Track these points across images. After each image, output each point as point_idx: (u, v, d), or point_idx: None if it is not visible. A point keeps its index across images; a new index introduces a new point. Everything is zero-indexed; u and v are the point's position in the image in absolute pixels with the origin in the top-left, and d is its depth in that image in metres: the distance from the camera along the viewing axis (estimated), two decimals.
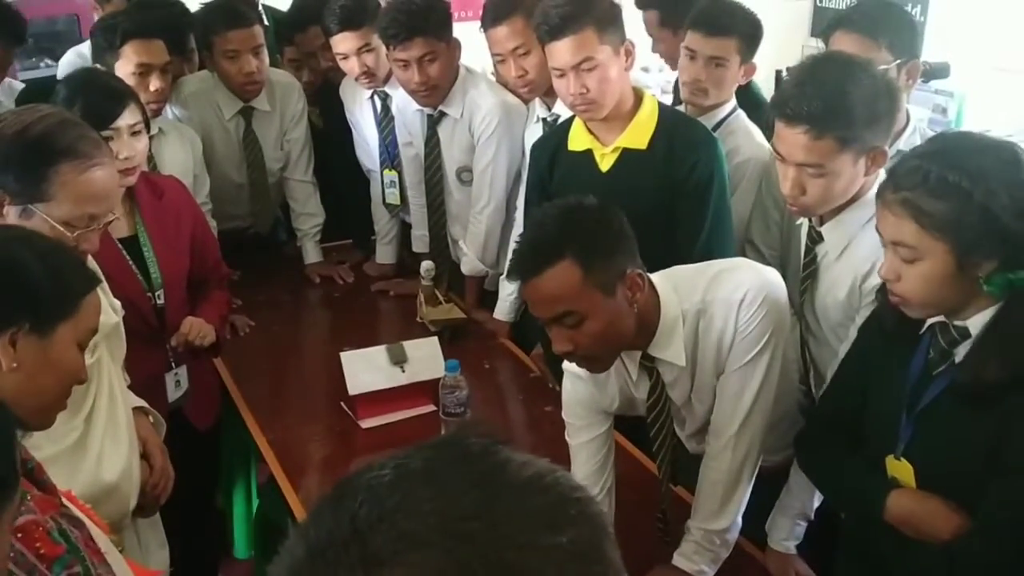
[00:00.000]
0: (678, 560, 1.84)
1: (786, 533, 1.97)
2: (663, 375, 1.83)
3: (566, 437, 1.96)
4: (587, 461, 1.91)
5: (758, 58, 2.59)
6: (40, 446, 1.68)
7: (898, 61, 2.19)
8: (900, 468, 1.61)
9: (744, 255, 2.28)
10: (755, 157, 2.41)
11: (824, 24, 2.37)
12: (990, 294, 1.48)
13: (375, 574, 0.57)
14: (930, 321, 1.57)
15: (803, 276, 2.03)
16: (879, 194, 1.56)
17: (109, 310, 1.92)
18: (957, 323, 1.53)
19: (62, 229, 1.73)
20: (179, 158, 2.86)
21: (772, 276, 1.82)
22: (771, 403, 1.80)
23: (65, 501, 1.32)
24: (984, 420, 1.48)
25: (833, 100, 1.76)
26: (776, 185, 2.01)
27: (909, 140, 2.24)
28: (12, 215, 1.76)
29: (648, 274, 1.76)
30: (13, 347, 1.35)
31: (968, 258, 1.46)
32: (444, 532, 0.58)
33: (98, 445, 1.78)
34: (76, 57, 3.53)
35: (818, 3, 4.59)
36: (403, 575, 0.57)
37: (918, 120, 2.33)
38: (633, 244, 1.73)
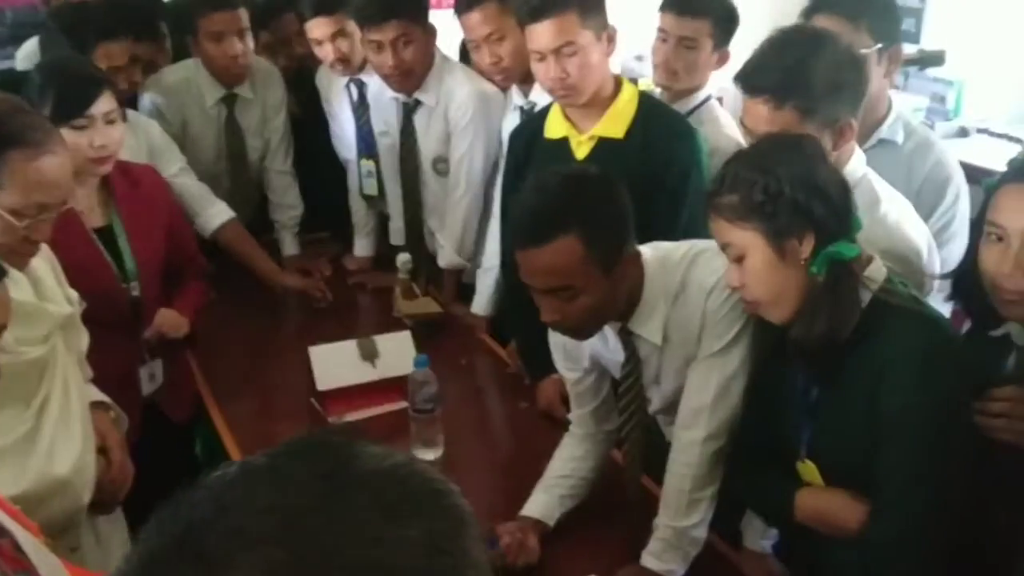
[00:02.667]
0: (647, 560, 1.78)
1: (761, 532, 1.92)
2: (638, 348, 1.83)
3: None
4: (580, 407, 2.02)
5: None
6: None
7: (879, 46, 2.14)
8: (807, 470, 1.66)
9: None
10: (721, 148, 2.34)
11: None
12: (821, 275, 1.53)
13: None
14: None
15: None
16: None
17: (63, 301, 1.88)
18: None
19: (11, 219, 1.68)
20: (130, 150, 2.76)
21: None
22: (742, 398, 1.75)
23: None
24: (855, 399, 1.54)
25: (792, 70, 1.76)
26: None
27: (892, 128, 2.21)
28: None
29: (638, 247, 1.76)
30: None
31: (782, 240, 1.52)
32: (282, 528, 0.54)
33: (49, 438, 1.73)
34: (35, 47, 3.44)
35: None
36: None
37: (915, 109, 2.28)
38: (632, 220, 1.71)
